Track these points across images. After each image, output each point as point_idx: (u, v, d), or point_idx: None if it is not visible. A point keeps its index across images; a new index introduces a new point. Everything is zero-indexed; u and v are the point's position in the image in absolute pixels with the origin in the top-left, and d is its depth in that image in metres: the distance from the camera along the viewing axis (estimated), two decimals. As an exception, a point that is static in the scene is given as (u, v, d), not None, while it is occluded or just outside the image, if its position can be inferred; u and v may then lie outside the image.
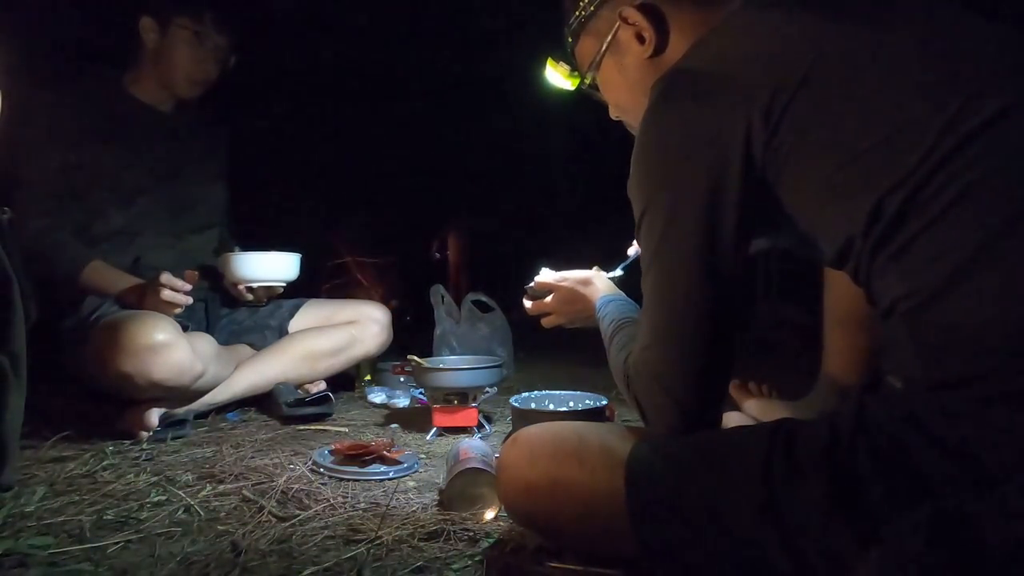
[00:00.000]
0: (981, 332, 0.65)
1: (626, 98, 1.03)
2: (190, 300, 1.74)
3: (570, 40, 1.06)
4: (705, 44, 0.85)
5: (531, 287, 1.38)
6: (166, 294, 1.68)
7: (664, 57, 0.95)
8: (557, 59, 1.10)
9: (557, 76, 1.11)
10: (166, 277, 1.70)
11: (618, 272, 1.35)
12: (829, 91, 0.75)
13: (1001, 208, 0.66)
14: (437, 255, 4.37)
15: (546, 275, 1.35)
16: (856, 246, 0.74)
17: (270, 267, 1.96)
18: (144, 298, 1.72)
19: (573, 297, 1.30)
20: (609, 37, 0.98)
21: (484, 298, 2.54)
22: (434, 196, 4.18)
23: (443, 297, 2.51)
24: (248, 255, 1.95)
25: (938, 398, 0.66)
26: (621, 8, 0.95)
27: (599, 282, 1.29)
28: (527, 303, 1.39)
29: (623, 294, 1.25)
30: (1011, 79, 0.71)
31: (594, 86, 1.06)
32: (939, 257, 0.68)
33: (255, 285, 1.97)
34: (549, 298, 1.34)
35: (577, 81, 1.09)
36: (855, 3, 0.82)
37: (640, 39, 0.96)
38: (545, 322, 1.37)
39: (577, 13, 1.01)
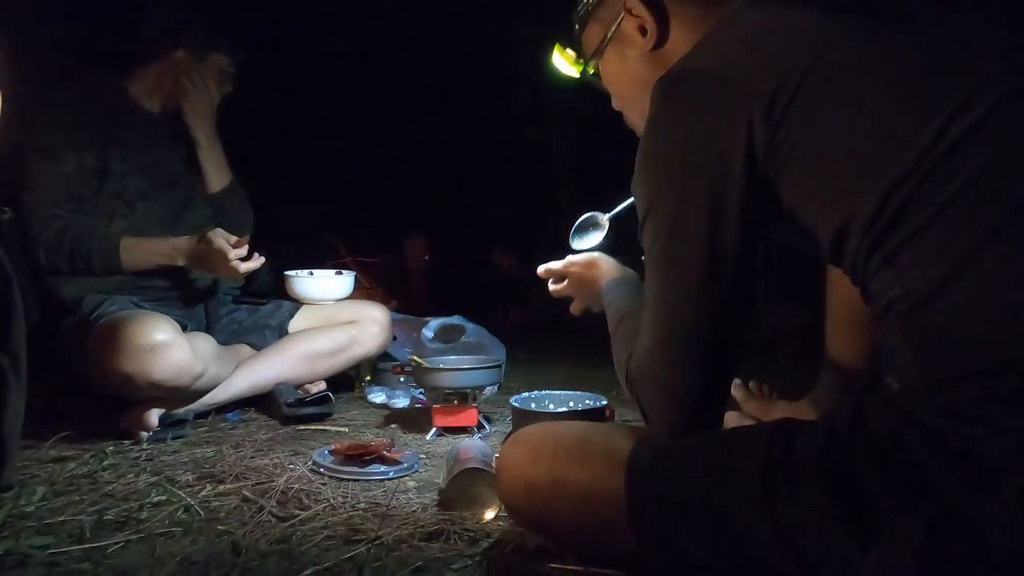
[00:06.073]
0: (974, 332, 0.65)
1: (627, 90, 1.04)
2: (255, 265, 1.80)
3: (577, 27, 1.06)
4: (706, 44, 0.85)
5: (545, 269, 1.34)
6: (233, 256, 1.73)
7: (665, 50, 0.95)
8: (564, 45, 1.11)
9: (563, 63, 1.11)
10: (221, 242, 1.73)
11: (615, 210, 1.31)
12: (829, 90, 0.74)
13: (993, 207, 0.66)
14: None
15: (551, 264, 1.33)
16: (852, 246, 0.74)
17: (324, 287, 2.07)
18: (202, 258, 1.77)
19: (582, 281, 1.28)
20: (614, 27, 0.99)
21: (455, 320, 2.31)
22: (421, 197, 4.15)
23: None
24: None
25: (934, 398, 0.66)
26: None
27: (604, 264, 1.26)
28: (551, 287, 1.36)
29: (630, 274, 1.22)
30: (1005, 77, 0.70)
31: (597, 75, 1.07)
32: (934, 258, 0.68)
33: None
34: (565, 283, 1.32)
35: (581, 68, 1.09)
36: (855, 1, 0.82)
37: (643, 31, 0.96)
38: (572, 309, 1.34)
39: (585, 1, 1.02)
